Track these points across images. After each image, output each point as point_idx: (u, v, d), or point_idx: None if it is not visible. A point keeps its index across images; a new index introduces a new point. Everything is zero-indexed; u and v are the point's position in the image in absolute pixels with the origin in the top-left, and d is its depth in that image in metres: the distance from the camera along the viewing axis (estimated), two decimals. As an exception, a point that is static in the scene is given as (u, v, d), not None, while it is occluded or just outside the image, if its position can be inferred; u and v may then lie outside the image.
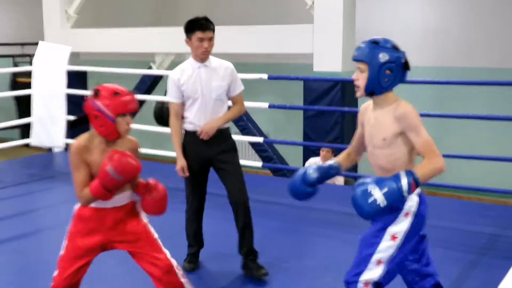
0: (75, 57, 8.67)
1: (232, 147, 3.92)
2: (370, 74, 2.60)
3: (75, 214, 2.88)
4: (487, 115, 6.92)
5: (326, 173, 2.85)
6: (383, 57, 2.58)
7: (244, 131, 8.03)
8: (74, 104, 7.31)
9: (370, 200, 2.43)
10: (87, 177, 2.79)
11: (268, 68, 8.56)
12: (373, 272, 2.62)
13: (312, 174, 2.80)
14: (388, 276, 2.65)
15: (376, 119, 2.69)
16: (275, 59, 9.30)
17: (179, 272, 2.95)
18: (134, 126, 3.19)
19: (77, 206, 2.88)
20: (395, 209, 2.59)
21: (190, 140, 3.86)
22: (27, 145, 7.72)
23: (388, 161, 2.65)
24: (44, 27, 10.07)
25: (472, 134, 8.62)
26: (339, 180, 6.70)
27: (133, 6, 11.93)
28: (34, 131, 7.36)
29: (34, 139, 7.40)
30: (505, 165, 6.78)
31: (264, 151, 8.24)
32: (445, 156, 7.20)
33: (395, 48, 2.62)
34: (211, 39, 3.74)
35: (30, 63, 11.47)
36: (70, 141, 7.37)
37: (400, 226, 2.61)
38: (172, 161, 6.87)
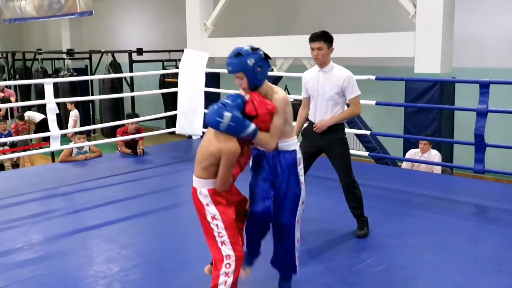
0: (211, 61, 8.95)
1: (338, 140, 4.01)
2: (248, 77, 2.78)
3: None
4: None
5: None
6: (250, 62, 2.77)
7: (351, 124, 7.93)
8: (210, 99, 7.54)
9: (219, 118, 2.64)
10: None
11: (373, 70, 8.39)
12: (300, 209, 2.96)
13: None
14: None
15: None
16: (380, 62, 9.08)
17: None
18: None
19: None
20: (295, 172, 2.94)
21: (309, 127, 4.10)
22: (172, 133, 8.02)
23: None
24: (187, 37, 10.48)
25: None
26: (437, 169, 6.45)
27: (258, 18, 12.11)
28: (178, 121, 7.61)
29: (178, 128, 7.65)
30: None
31: (368, 142, 8.11)
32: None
33: (253, 50, 2.84)
34: (319, 49, 3.88)
35: (176, 66, 12.01)
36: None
37: (302, 178, 2.98)
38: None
